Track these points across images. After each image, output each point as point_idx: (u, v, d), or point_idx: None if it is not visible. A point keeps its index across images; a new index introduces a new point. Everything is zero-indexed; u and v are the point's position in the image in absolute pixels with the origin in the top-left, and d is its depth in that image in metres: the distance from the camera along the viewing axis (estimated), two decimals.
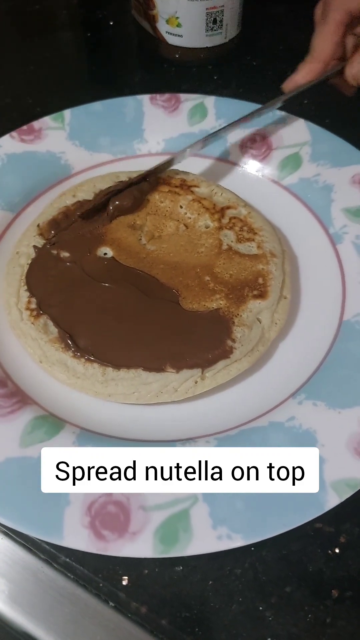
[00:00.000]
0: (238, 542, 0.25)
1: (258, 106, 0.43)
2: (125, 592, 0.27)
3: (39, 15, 0.61)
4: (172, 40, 0.49)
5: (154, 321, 0.32)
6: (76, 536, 0.25)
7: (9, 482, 0.26)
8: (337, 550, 0.28)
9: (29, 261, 0.35)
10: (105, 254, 0.35)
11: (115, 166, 0.42)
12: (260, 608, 0.26)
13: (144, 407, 0.31)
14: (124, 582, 0.27)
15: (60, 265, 0.34)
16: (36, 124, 0.42)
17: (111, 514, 0.26)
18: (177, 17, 0.48)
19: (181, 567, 0.27)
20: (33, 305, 0.33)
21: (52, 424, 0.29)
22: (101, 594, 0.27)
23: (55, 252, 0.35)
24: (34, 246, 0.36)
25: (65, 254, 0.35)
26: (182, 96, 0.44)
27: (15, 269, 0.35)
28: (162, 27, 0.49)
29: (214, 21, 0.48)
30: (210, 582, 0.27)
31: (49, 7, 0.63)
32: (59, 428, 0.29)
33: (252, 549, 0.27)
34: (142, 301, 0.32)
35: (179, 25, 0.48)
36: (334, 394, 0.30)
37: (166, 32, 0.49)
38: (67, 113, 0.43)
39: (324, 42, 0.36)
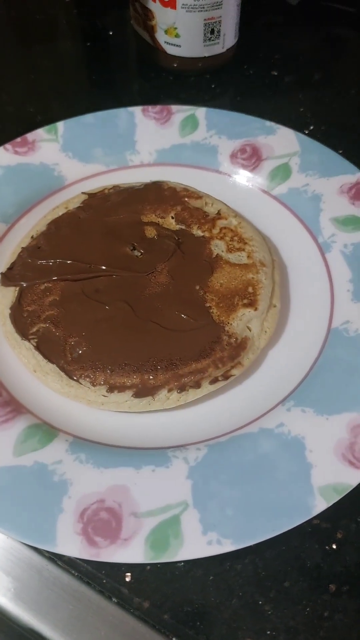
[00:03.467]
0: (228, 547, 0.26)
1: (247, 117, 0.44)
2: (128, 588, 0.28)
3: (40, 25, 0.62)
4: (170, 50, 0.50)
5: (146, 332, 0.33)
6: (69, 543, 0.25)
7: (2, 491, 0.27)
8: (334, 546, 0.29)
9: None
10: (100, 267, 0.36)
11: (107, 177, 0.43)
12: (260, 602, 0.27)
13: (136, 414, 0.32)
14: (127, 579, 0.28)
15: (53, 279, 0.35)
16: (30, 136, 0.43)
17: (103, 520, 0.26)
18: (176, 28, 0.48)
19: (182, 563, 0.28)
20: (28, 317, 0.34)
21: (46, 432, 0.29)
22: (104, 591, 0.28)
23: (49, 264, 0.36)
24: (27, 260, 0.36)
25: (58, 268, 0.36)
26: (174, 108, 0.45)
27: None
28: (161, 37, 0.50)
29: (212, 31, 0.49)
30: (211, 578, 0.28)
31: (50, 17, 0.64)
32: (52, 436, 0.29)
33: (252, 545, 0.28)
34: (133, 317, 0.33)
35: (177, 36, 0.49)
36: (322, 401, 0.30)
37: (165, 42, 0.50)
38: (60, 125, 0.44)
39: None
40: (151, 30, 0.50)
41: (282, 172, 0.41)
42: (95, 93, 0.52)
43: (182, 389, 0.31)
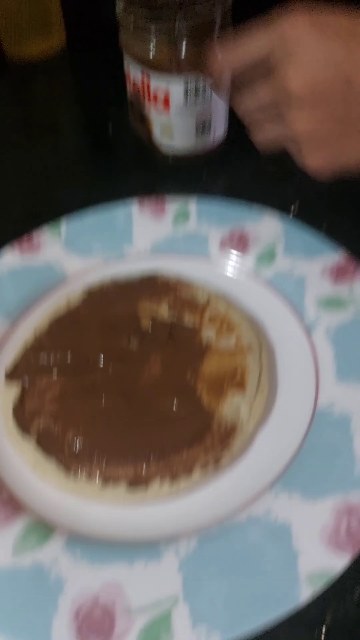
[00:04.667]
0: (216, 639, 0.26)
1: (235, 204, 0.47)
2: None
3: (44, 121, 0.69)
4: (165, 147, 0.55)
5: (140, 424, 0.35)
6: None
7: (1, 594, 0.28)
8: (323, 630, 0.28)
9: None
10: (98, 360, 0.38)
11: (105, 269, 0.46)
12: None
13: (130, 506, 0.33)
14: None
15: (55, 375, 0.38)
16: (34, 235, 0.47)
17: (97, 619, 0.27)
18: (170, 127, 0.53)
19: None
20: (29, 413, 0.36)
21: (44, 530, 0.31)
22: None
23: (50, 360, 0.39)
24: (30, 357, 0.39)
25: (59, 364, 0.38)
26: (168, 200, 0.49)
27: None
28: (157, 136, 0.55)
29: (203, 129, 0.54)
30: None
31: (54, 114, 0.71)
32: (50, 533, 0.31)
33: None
34: (127, 410, 0.35)
35: (171, 135, 0.54)
36: (308, 485, 0.31)
37: (160, 140, 0.55)
38: (63, 223, 0.48)
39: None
40: (148, 132, 0.55)
41: (268, 257, 0.44)
42: (96, 185, 0.57)
43: (174, 477, 0.33)
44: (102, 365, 0.38)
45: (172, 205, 0.49)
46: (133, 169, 0.60)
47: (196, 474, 0.33)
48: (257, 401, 0.36)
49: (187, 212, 0.48)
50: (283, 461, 0.33)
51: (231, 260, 0.45)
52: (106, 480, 0.33)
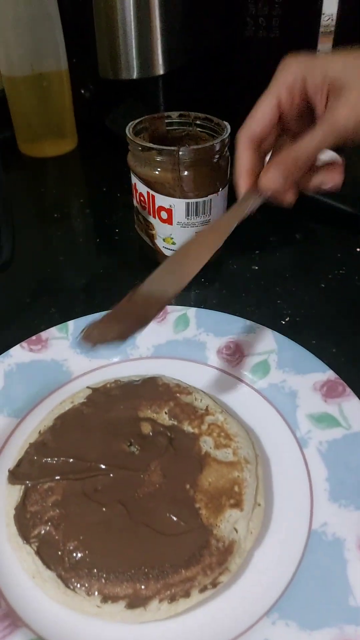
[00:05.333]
0: None
1: (231, 317, 0.51)
2: None
3: (58, 221, 0.74)
4: (167, 252, 0.60)
5: (139, 536, 0.35)
6: None
7: None
8: None
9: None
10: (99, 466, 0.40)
11: (109, 370, 0.48)
12: None
13: (127, 624, 0.33)
14: None
15: (56, 478, 0.39)
16: (44, 334, 0.49)
17: None
18: (172, 238, 0.58)
19: None
20: (30, 519, 0.37)
21: None
22: None
23: (53, 462, 0.40)
24: (33, 457, 0.40)
25: (62, 467, 0.39)
26: (169, 308, 0.52)
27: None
28: (160, 243, 0.60)
29: None
30: None
31: (66, 214, 0.76)
32: None
33: None
34: (127, 520, 0.36)
35: (173, 243, 0.59)
36: (304, 614, 0.32)
37: (163, 246, 0.60)
38: (70, 324, 0.51)
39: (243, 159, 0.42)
40: (152, 237, 0.60)
41: (262, 368, 0.47)
42: (102, 286, 0.61)
43: (172, 598, 0.33)
44: (103, 470, 0.39)
45: (173, 312, 0.52)
46: (138, 270, 0.64)
47: (194, 597, 0.33)
48: (254, 517, 0.37)
49: (187, 318, 0.52)
50: (281, 583, 0.34)
51: (227, 367, 0.48)
52: (105, 598, 0.33)
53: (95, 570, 0.34)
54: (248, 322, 0.50)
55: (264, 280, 0.60)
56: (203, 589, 0.34)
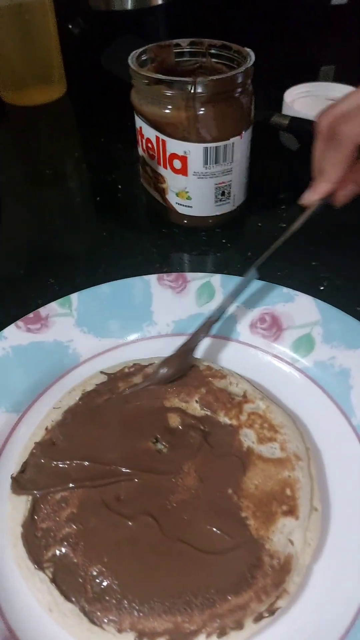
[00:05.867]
0: None
1: (264, 283, 0.43)
2: None
3: (50, 180, 0.64)
4: (181, 209, 0.52)
5: (175, 556, 0.29)
6: None
7: None
8: None
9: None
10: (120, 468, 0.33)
11: (124, 350, 0.41)
12: None
13: None
14: None
15: (70, 487, 0.32)
16: (43, 311, 0.42)
17: None
18: (187, 192, 0.50)
19: None
20: (42, 538, 0.30)
21: None
22: None
23: (65, 466, 0.33)
24: (41, 461, 0.33)
25: (75, 471, 0.33)
26: (189, 275, 0.44)
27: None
28: (172, 199, 0.51)
29: (222, 193, 0.50)
30: None
31: (61, 170, 0.67)
32: None
33: None
34: (160, 536, 0.30)
35: (188, 198, 0.50)
36: None
37: (176, 202, 0.51)
38: (74, 297, 0.43)
39: (336, 168, 0.37)
40: (162, 192, 0.52)
41: (305, 343, 0.40)
42: (106, 251, 0.53)
43: (222, 632, 0.27)
44: (126, 475, 0.33)
45: (195, 280, 0.44)
46: (146, 231, 0.56)
47: (248, 629, 0.27)
48: (311, 525, 0.31)
49: (211, 288, 0.44)
50: (350, 608, 0.28)
51: (264, 344, 0.41)
52: (140, 635, 0.27)
53: (125, 601, 0.28)
54: (285, 289, 0.43)
55: (295, 239, 0.52)
56: (258, 618, 0.28)
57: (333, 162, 0.37)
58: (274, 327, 0.41)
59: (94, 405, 0.37)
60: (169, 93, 0.44)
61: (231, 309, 0.42)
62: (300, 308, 0.42)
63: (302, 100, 0.70)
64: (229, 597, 0.28)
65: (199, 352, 0.40)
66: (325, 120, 0.37)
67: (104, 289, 0.43)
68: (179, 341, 0.42)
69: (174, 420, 0.35)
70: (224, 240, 0.53)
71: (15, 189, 0.63)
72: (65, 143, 0.74)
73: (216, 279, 0.44)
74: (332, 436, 0.36)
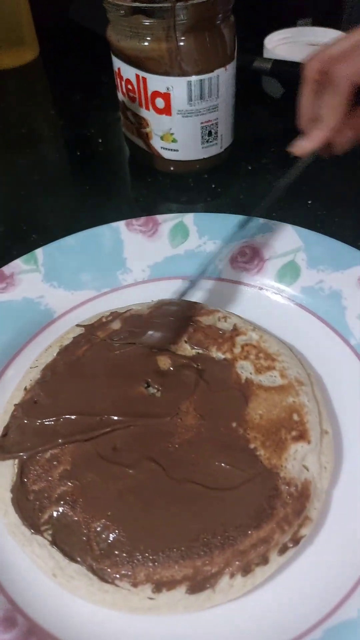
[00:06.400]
0: None
1: (238, 217, 0.41)
2: None
3: (25, 138, 0.60)
4: (167, 154, 0.48)
5: (186, 498, 0.26)
6: None
7: None
8: None
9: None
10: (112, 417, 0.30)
11: (100, 302, 0.38)
12: None
13: (192, 614, 0.25)
14: None
15: (60, 443, 0.29)
16: (6, 269, 0.38)
17: None
18: (172, 134, 0.46)
19: None
20: (35, 500, 0.27)
21: None
22: None
23: (50, 423, 0.30)
24: (23, 421, 0.30)
25: (63, 427, 0.29)
26: (160, 217, 0.41)
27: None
28: (157, 144, 0.48)
29: (209, 133, 0.47)
30: None
31: (36, 129, 0.62)
32: None
33: None
34: (165, 479, 0.27)
35: (174, 141, 0.47)
36: None
37: (161, 147, 0.48)
38: (39, 252, 0.39)
39: (334, 112, 0.34)
40: (146, 137, 0.48)
41: (290, 271, 0.38)
42: (90, 204, 0.49)
43: (247, 569, 0.25)
44: (119, 423, 0.30)
45: (166, 222, 0.41)
46: (130, 181, 0.52)
47: (274, 562, 0.25)
48: (324, 448, 0.29)
49: (185, 227, 0.41)
50: None
51: (248, 277, 0.39)
52: (158, 586, 0.24)
53: (137, 553, 0.25)
54: (261, 220, 0.40)
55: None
56: (283, 550, 0.25)
57: (330, 106, 0.34)
58: (255, 258, 0.39)
59: (73, 358, 0.33)
60: (147, 22, 0.40)
61: (207, 247, 0.40)
62: (280, 237, 0.40)
63: (284, 46, 0.67)
64: (250, 532, 0.25)
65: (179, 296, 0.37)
66: (316, 64, 0.34)
67: (69, 241, 0.40)
68: (158, 286, 0.39)
69: (164, 363, 0.33)
70: (213, 186, 0.49)
71: None
72: (39, 102, 0.69)
73: (189, 218, 0.41)
74: (332, 360, 0.34)
